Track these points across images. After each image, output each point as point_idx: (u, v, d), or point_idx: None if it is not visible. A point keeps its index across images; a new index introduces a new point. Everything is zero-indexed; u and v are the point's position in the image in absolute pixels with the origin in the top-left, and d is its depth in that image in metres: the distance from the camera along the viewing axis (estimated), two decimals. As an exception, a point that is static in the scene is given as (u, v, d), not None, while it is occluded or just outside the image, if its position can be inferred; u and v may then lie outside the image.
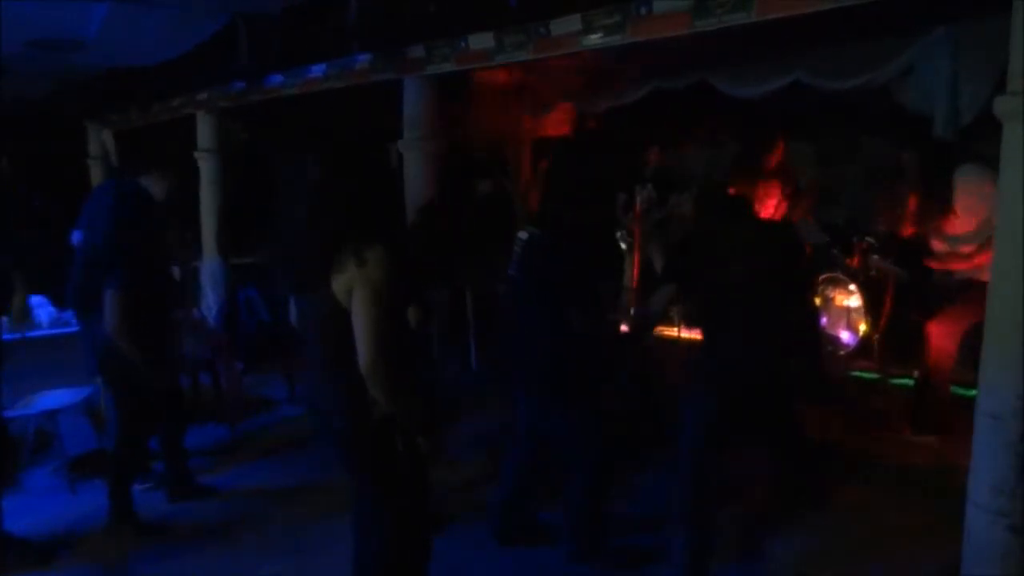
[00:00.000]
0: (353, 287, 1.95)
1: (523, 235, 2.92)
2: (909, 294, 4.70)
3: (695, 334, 3.90)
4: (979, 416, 2.52)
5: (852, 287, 5.17)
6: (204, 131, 6.84)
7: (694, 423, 2.77)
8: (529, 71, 6.20)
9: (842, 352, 5.26)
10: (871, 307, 5.08)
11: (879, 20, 3.70)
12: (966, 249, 4.05)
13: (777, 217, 4.47)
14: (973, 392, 2.70)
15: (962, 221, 4.08)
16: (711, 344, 2.84)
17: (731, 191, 3.20)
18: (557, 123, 6.89)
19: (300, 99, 5.74)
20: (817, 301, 5.24)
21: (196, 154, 6.84)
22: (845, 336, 5.29)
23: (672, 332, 5.32)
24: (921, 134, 4.29)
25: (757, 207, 5.08)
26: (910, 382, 4.46)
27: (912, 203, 4.76)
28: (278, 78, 5.76)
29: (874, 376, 4.98)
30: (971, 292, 3.82)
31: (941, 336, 4.00)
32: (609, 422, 3.03)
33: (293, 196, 2.03)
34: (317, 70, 5.40)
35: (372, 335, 1.93)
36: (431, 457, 2.16)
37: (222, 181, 6.89)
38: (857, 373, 5.08)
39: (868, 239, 5.11)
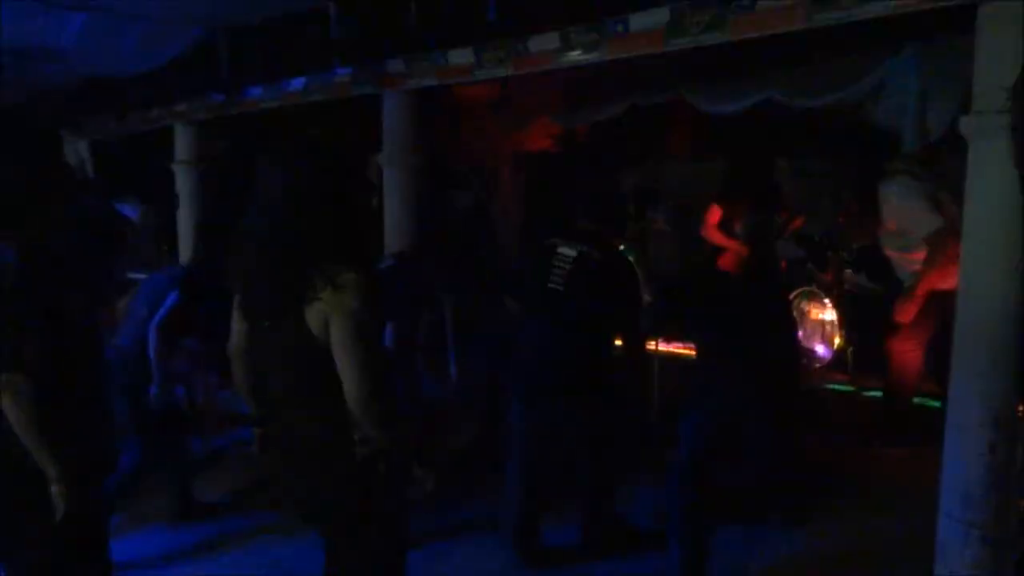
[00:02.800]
0: (330, 317, 1.77)
1: (568, 251, 2.97)
2: (881, 306, 4.78)
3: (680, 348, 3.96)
4: (948, 427, 2.56)
5: (827, 301, 5.25)
6: (182, 143, 6.79)
7: (691, 439, 2.85)
8: (508, 86, 6.23)
9: (817, 365, 5.33)
10: (845, 320, 5.16)
11: (850, 39, 3.78)
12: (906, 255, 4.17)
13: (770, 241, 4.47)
14: (938, 403, 2.76)
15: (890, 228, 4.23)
16: (709, 364, 2.95)
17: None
18: (538, 137, 6.93)
19: (280, 113, 5.72)
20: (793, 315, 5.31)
21: (174, 166, 6.79)
22: (820, 349, 5.37)
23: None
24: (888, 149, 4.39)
25: (740, 223, 5.19)
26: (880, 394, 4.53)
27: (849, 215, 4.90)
28: (257, 91, 5.72)
29: (848, 388, 5.05)
30: (930, 305, 3.92)
31: (903, 352, 4.10)
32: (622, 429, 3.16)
33: (257, 209, 1.78)
34: (297, 83, 5.38)
35: (362, 370, 1.78)
36: (427, 484, 2.04)
37: (199, 193, 6.84)
38: (832, 386, 5.15)
39: (842, 253, 5.20)
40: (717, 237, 5.18)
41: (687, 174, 6.94)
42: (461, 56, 4.26)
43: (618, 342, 3.43)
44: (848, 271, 5.16)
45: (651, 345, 5.46)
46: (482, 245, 5.92)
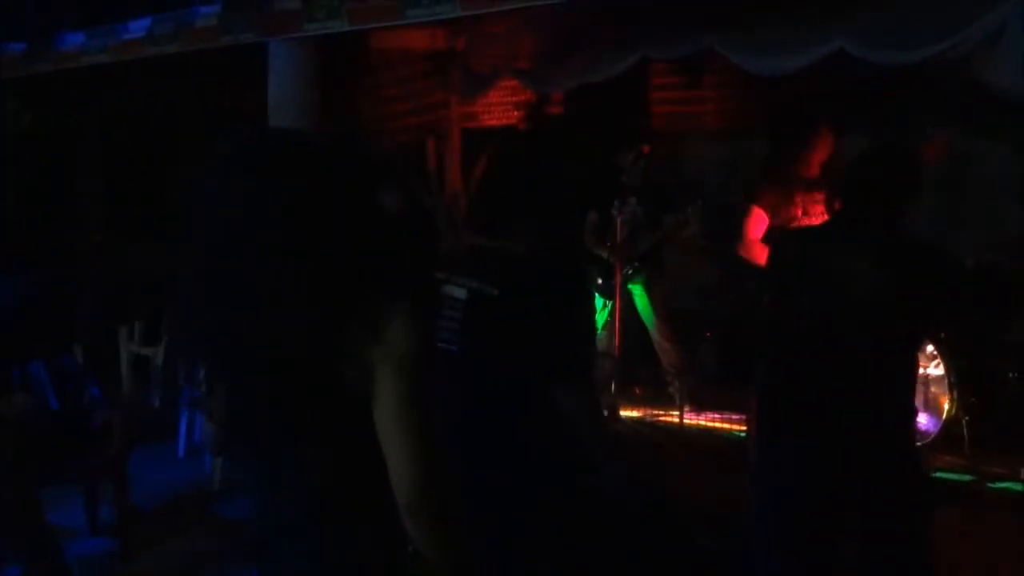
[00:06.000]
0: (376, 375, 1.79)
1: (458, 292, 2.87)
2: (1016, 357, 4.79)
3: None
4: None
5: (930, 347, 5.22)
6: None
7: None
8: (457, 32, 6.19)
9: (919, 443, 5.29)
10: (961, 375, 5.13)
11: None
12: None
13: None
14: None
15: None
16: (801, 417, 2.97)
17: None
18: (497, 108, 6.90)
19: (112, 69, 5.65)
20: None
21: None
22: (922, 420, 5.33)
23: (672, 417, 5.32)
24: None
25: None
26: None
27: None
28: (78, 38, 5.72)
29: (964, 476, 5.01)
30: None
31: None
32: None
33: (242, 224, 1.68)
34: (138, 27, 5.34)
35: (421, 448, 1.79)
36: None
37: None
38: (941, 473, 5.11)
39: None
40: (764, 256, 5.11)
41: (721, 161, 6.97)
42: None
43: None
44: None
45: (671, 416, 5.43)
46: (421, 267, 5.84)
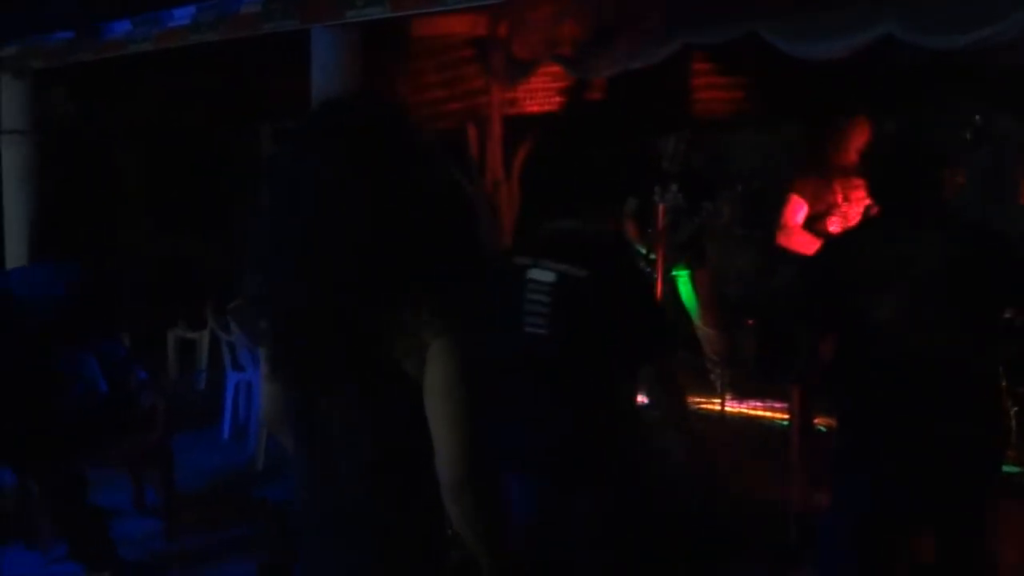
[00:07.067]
0: (428, 356, 1.79)
1: (545, 275, 2.91)
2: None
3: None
4: None
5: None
6: (11, 103, 6.77)
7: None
8: (498, 18, 6.18)
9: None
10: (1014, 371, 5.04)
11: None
12: None
13: None
14: None
15: None
16: (879, 413, 2.91)
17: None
18: (539, 94, 6.88)
19: (156, 59, 5.68)
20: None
21: (-2, 138, 6.76)
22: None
23: (713, 404, 5.30)
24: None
25: (838, 215, 5.16)
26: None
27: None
28: (124, 26, 5.73)
29: (1014, 469, 4.94)
30: None
31: None
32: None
33: (290, 217, 1.72)
34: (182, 15, 5.37)
35: (467, 429, 1.79)
36: None
37: (36, 175, 6.81)
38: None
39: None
40: (804, 244, 5.09)
41: (761, 149, 6.91)
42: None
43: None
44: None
45: (713, 404, 5.42)
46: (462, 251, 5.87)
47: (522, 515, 3.04)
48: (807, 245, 5.05)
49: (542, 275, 2.90)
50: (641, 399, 3.27)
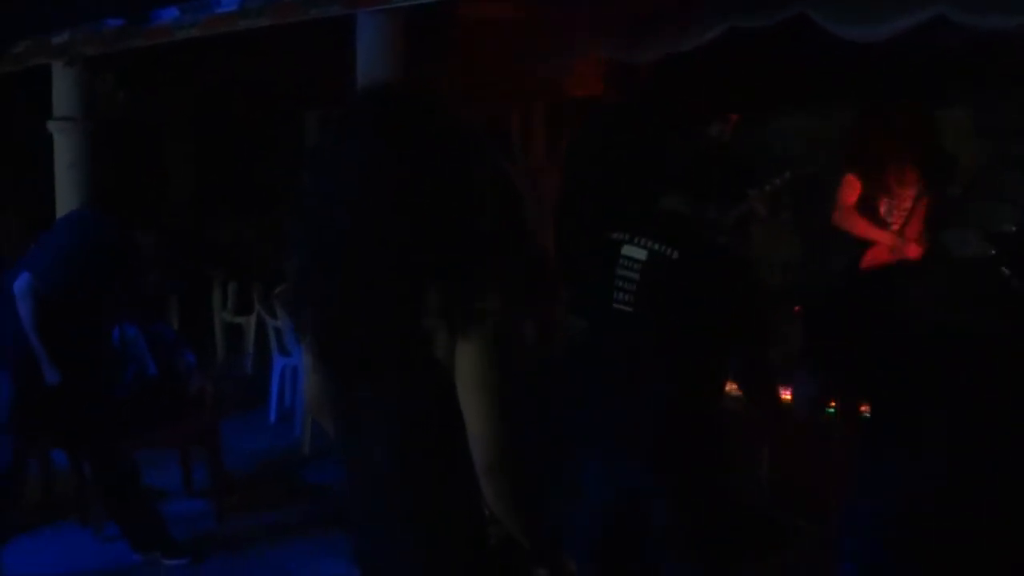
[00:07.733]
0: (460, 343, 1.81)
1: (637, 252, 2.91)
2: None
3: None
4: None
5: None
6: (62, 90, 6.80)
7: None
8: (544, 2, 6.15)
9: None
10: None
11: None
12: None
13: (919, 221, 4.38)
14: None
15: None
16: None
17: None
18: (584, 79, 6.85)
19: (204, 46, 5.71)
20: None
21: (51, 124, 6.81)
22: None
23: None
24: None
25: (887, 204, 5.11)
26: None
27: None
28: (172, 13, 5.76)
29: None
30: None
31: None
32: None
33: (334, 204, 1.71)
34: (229, 2, 5.40)
35: (499, 411, 1.83)
36: None
37: (86, 162, 6.86)
38: None
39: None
40: (859, 226, 5.06)
41: (808, 134, 6.84)
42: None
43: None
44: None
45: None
46: (508, 232, 5.87)
47: (595, 496, 3.06)
48: (861, 227, 5.04)
49: (634, 252, 2.90)
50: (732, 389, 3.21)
